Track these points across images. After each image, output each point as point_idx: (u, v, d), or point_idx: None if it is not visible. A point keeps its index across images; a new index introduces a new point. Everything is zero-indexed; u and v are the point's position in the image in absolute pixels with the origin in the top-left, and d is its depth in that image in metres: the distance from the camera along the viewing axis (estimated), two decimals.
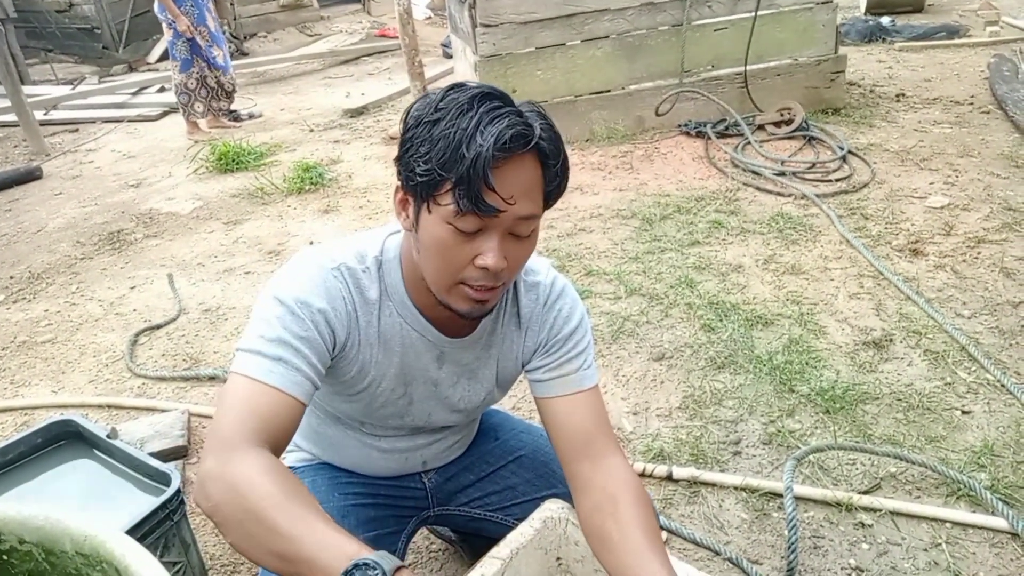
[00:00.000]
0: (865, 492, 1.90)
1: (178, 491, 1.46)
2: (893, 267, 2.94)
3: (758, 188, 3.81)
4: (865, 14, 7.15)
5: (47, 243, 4.06)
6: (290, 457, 1.40)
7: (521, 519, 1.19)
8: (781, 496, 1.86)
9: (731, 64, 4.68)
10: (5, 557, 0.94)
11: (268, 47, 9.61)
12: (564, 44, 4.54)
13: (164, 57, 7.69)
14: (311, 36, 10.04)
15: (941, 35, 6.34)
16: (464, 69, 5.02)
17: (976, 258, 2.95)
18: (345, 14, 11.00)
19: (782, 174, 3.92)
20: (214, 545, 1.91)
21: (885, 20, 6.67)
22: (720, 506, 1.91)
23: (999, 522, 1.76)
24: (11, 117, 6.13)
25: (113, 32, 8.97)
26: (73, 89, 7.58)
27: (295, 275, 1.07)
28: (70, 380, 2.73)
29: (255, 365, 0.99)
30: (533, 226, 1.01)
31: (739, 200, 3.70)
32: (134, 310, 3.21)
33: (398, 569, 0.82)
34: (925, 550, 1.73)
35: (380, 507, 1.34)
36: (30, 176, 5.16)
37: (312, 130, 5.75)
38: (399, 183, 1.02)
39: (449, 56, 6.64)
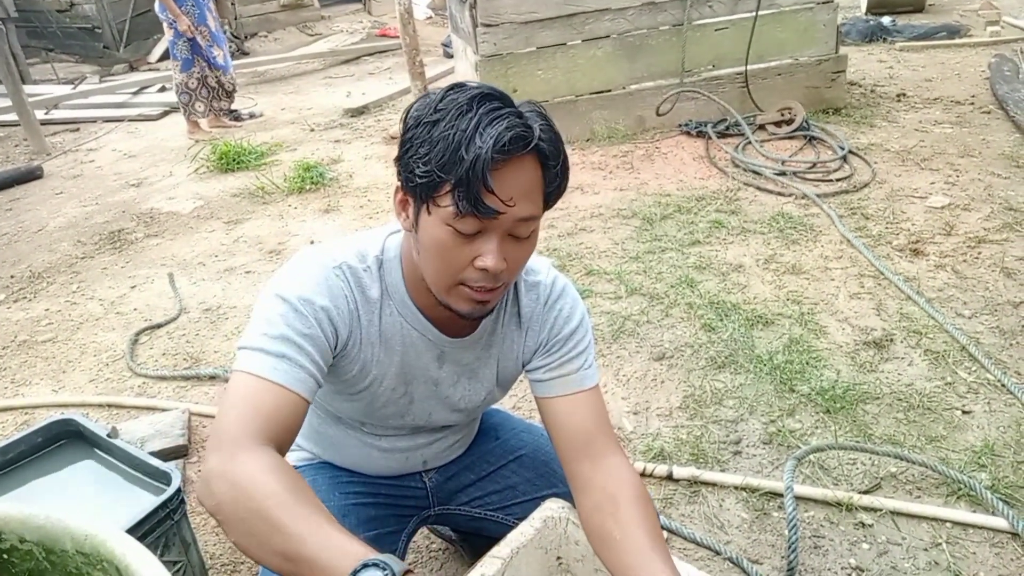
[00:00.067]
0: (865, 492, 1.90)
1: (178, 490, 1.46)
2: (894, 267, 2.94)
3: (759, 188, 3.81)
4: (866, 14, 7.15)
5: (48, 242, 4.06)
6: (291, 456, 1.40)
7: (521, 518, 1.19)
8: (781, 496, 1.86)
9: (732, 64, 4.67)
10: (6, 556, 0.94)
11: (269, 47, 9.61)
12: (565, 44, 4.54)
13: (165, 57, 7.69)
14: (312, 36, 10.04)
15: (942, 35, 6.34)
16: (465, 69, 5.02)
17: (977, 258, 2.95)
18: (346, 14, 11.01)
19: (783, 174, 3.92)
20: (214, 544, 1.91)
21: (886, 20, 6.66)
22: (720, 506, 1.91)
23: (999, 522, 1.76)
24: (12, 116, 6.13)
25: (114, 31, 8.97)
26: (74, 88, 7.58)
27: (297, 273, 1.06)
28: (71, 379, 2.73)
29: (259, 362, 0.99)
30: (533, 227, 1.01)
31: (740, 200, 3.70)
32: (135, 309, 3.22)
33: (406, 573, 0.81)
34: (925, 550, 1.73)
35: (381, 506, 1.34)
36: (31, 175, 5.17)
37: (313, 130, 5.75)
38: (399, 183, 1.02)
39: (450, 56, 6.64)
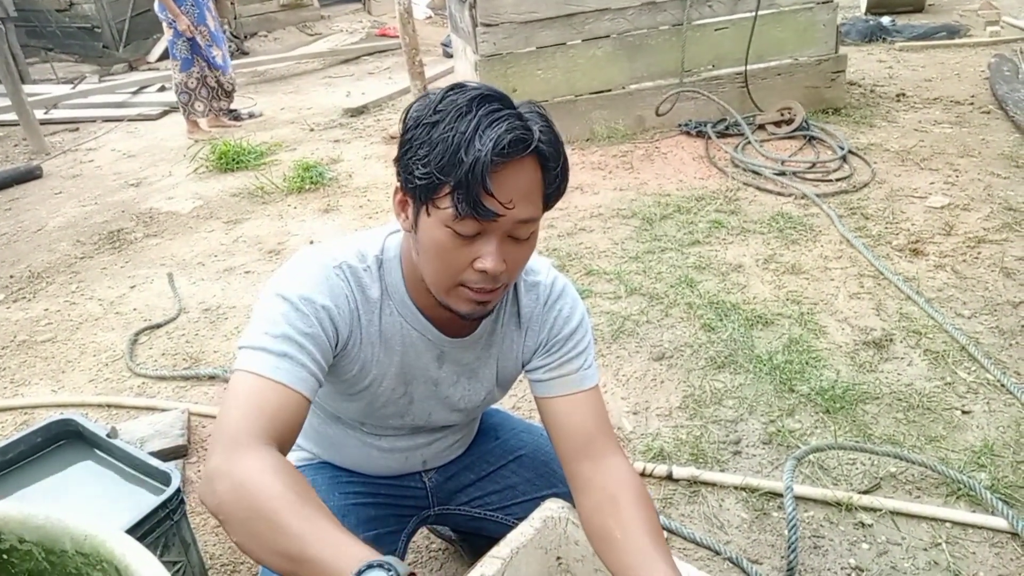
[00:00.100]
0: (865, 492, 1.90)
1: (178, 490, 1.46)
2: (893, 267, 2.94)
3: (758, 188, 3.81)
4: (865, 14, 7.15)
5: (47, 242, 4.06)
6: (290, 457, 1.39)
7: (521, 518, 1.19)
8: (781, 496, 1.86)
9: (731, 64, 4.67)
10: (5, 556, 0.94)
11: (268, 46, 9.61)
12: (564, 43, 4.54)
13: (164, 56, 7.69)
14: (311, 35, 10.04)
15: (941, 35, 6.34)
16: (464, 68, 5.02)
17: (976, 258, 2.95)
18: (345, 13, 11.01)
19: (782, 174, 3.92)
20: (214, 544, 1.91)
21: (885, 20, 6.67)
22: (720, 506, 1.91)
23: (999, 522, 1.76)
24: (11, 116, 6.13)
25: (113, 31, 8.97)
26: (73, 88, 7.58)
27: (298, 273, 1.06)
28: (70, 379, 2.73)
29: (260, 361, 0.98)
30: (532, 228, 1.01)
31: (739, 200, 3.70)
32: (134, 309, 3.22)
33: (410, 575, 0.81)
34: (925, 550, 1.73)
35: (380, 506, 1.34)
36: (30, 175, 5.16)
37: (312, 129, 5.75)
38: (398, 184, 1.02)
39: (449, 55, 6.64)
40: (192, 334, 2.96)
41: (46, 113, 6.73)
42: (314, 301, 1.04)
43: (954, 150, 4.02)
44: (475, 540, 1.62)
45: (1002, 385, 2.22)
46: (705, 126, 4.51)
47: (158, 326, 3.03)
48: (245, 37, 9.48)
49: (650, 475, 2.00)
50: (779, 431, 2.13)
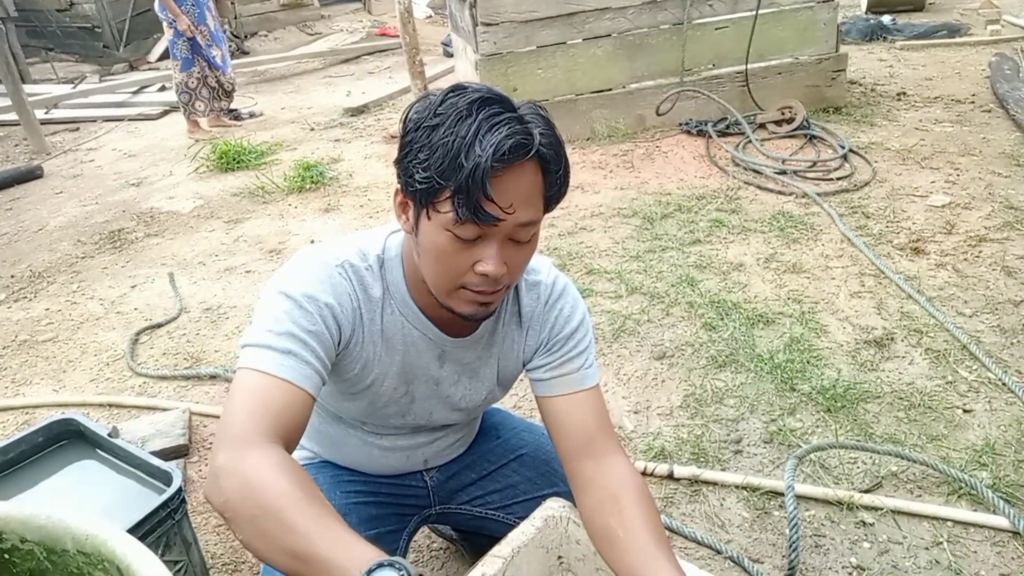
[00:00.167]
0: (866, 491, 1.90)
1: (179, 490, 1.46)
2: (894, 266, 2.94)
3: (759, 187, 3.81)
4: (866, 13, 7.15)
5: (48, 242, 4.06)
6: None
7: (522, 517, 1.19)
8: (782, 495, 1.86)
9: (732, 63, 4.67)
10: (7, 556, 0.94)
11: (269, 46, 9.61)
12: (565, 43, 4.54)
13: (165, 56, 7.68)
14: (312, 35, 10.04)
15: (942, 34, 6.34)
16: (465, 68, 5.02)
17: (977, 257, 2.95)
18: (346, 13, 11.01)
19: (783, 173, 3.91)
20: (215, 544, 1.91)
21: (886, 19, 6.66)
22: (721, 505, 1.91)
23: (1000, 521, 1.76)
24: (12, 116, 6.13)
25: (114, 31, 8.97)
26: (74, 88, 7.58)
27: (300, 271, 1.06)
28: (71, 379, 2.73)
29: (265, 359, 0.98)
30: (533, 231, 1.01)
31: (740, 199, 3.69)
32: (135, 309, 3.22)
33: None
34: (926, 549, 1.73)
35: (382, 505, 1.34)
36: (31, 175, 5.17)
37: (313, 129, 5.75)
38: (399, 186, 1.02)
39: (450, 55, 6.64)
40: (193, 334, 2.96)
41: (47, 113, 6.73)
42: (317, 299, 1.03)
43: (955, 149, 4.02)
44: (476, 539, 1.62)
45: (1003, 384, 2.22)
46: (706, 125, 4.51)
47: (159, 326, 3.03)
48: (245, 37, 9.48)
49: (651, 474, 2.00)
50: (780, 430, 2.13)
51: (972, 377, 2.28)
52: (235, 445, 0.91)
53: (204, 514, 2.01)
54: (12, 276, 3.66)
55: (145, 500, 1.47)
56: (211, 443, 2.29)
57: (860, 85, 5.24)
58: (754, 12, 4.55)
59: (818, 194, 3.61)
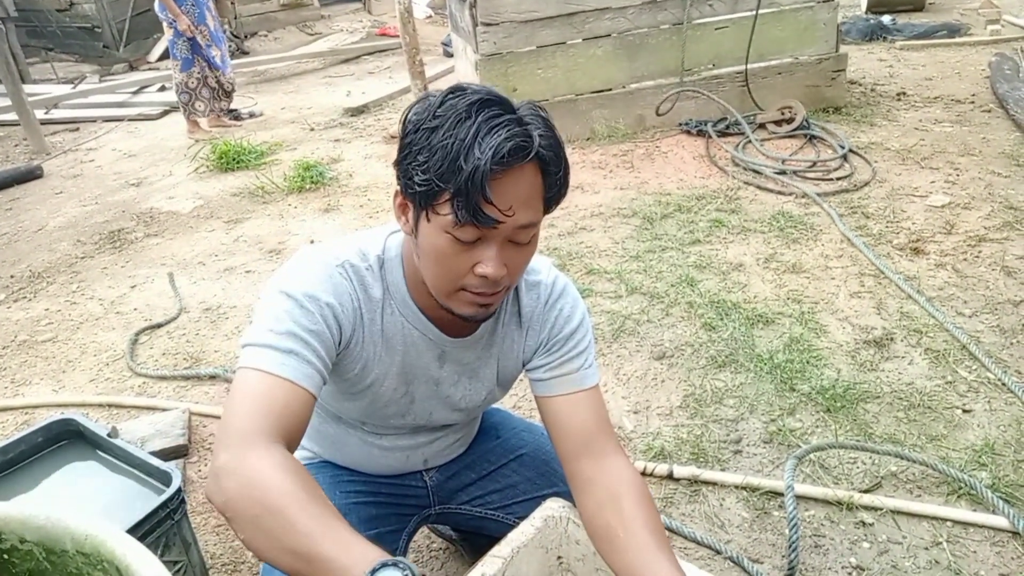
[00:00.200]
0: (866, 491, 1.90)
1: (179, 490, 1.46)
2: (894, 266, 2.94)
3: (759, 187, 3.81)
4: (866, 13, 7.15)
5: (48, 242, 4.06)
6: None
7: (522, 518, 1.19)
8: (782, 495, 1.86)
9: (732, 63, 4.67)
10: (6, 556, 0.94)
11: (269, 46, 9.61)
12: (565, 43, 4.54)
13: (165, 56, 7.69)
14: (312, 35, 10.04)
15: (942, 34, 6.34)
16: (465, 68, 5.02)
17: (977, 257, 2.95)
18: (346, 13, 11.01)
19: (783, 173, 3.91)
20: (215, 544, 1.91)
21: (886, 19, 6.66)
22: (721, 505, 1.91)
23: (1000, 521, 1.76)
24: (12, 116, 6.13)
25: (114, 31, 8.97)
26: (74, 88, 7.58)
27: (301, 271, 1.06)
28: (71, 379, 2.73)
29: (266, 358, 0.98)
30: (533, 232, 1.01)
31: (740, 199, 3.69)
32: (135, 309, 3.22)
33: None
34: (926, 549, 1.73)
35: (381, 505, 1.34)
36: (31, 175, 5.17)
37: (313, 129, 5.75)
38: (398, 188, 1.02)
39: (450, 55, 6.64)
40: (193, 334, 2.96)
41: (46, 113, 6.73)
42: (318, 299, 1.03)
43: (955, 149, 4.02)
44: (476, 539, 1.62)
45: (1003, 384, 2.22)
46: (706, 125, 4.51)
47: (159, 326, 3.03)
48: (245, 37, 9.48)
49: (651, 474, 2.00)
50: (780, 430, 2.13)
51: (972, 377, 2.28)
52: (237, 444, 0.91)
53: (204, 514, 2.01)
54: (12, 276, 3.66)
55: (144, 500, 1.47)
56: (211, 443, 2.29)
57: (860, 85, 5.24)
58: (754, 12, 4.55)
59: (818, 194, 3.61)
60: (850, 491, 1.89)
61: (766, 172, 3.92)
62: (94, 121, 6.68)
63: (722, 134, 4.47)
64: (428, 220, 0.97)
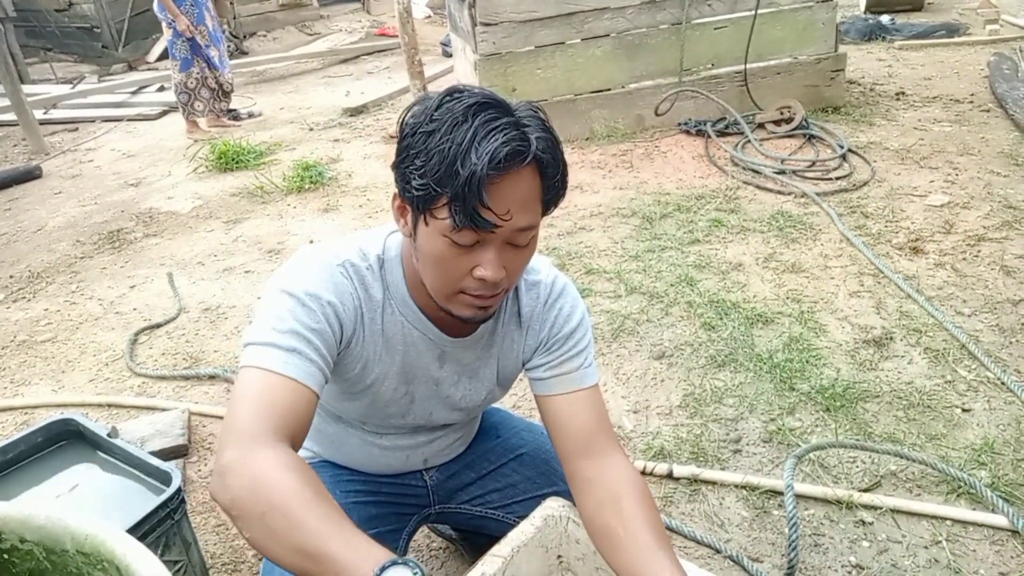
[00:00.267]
0: (865, 490, 1.90)
1: (179, 490, 1.46)
2: (893, 265, 2.94)
3: (758, 186, 3.81)
4: (865, 12, 7.16)
5: (47, 242, 4.06)
6: None
7: (522, 517, 1.19)
8: (782, 494, 1.87)
9: (731, 63, 4.67)
10: (6, 556, 0.94)
11: (267, 46, 9.61)
12: (564, 43, 4.54)
13: (164, 56, 7.69)
14: (311, 35, 10.04)
15: (941, 33, 6.34)
16: (464, 68, 5.02)
17: (976, 256, 2.95)
18: (344, 13, 11.00)
19: (782, 172, 3.92)
20: (215, 544, 1.91)
21: (885, 18, 6.67)
22: (721, 504, 1.91)
23: (999, 520, 1.76)
24: (10, 116, 6.12)
25: (112, 31, 8.96)
26: (72, 88, 7.58)
27: (302, 270, 1.06)
28: (70, 379, 2.73)
29: (269, 357, 0.98)
30: (532, 235, 1.01)
31: (739, 198, 3.70)
32: (134, 309, 3.21)
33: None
34: (925, 548, 1.73)
35: (382, 504, 1.34)
36: (29, 175, 5.16)
37: (312, 129, 5.75)
38: (396, 191, 1.02)
39: (449, 55, 6.64)
40: (192, 334, 2.96)
41: (45, 113, 6.73)
42: (320, 297, 1.03)
43: (954, 148, 4.02)
44: (476, 539, 1.62)
45: (1002, 383, 2.23)
46: (705, 125, 4.51)
47: (158, 326, 3.03)
48: (244, 37, 9.47)
49: (651, 473, 2.00)
50: (779, 429, 2.13)
51: (971, 376, 2.28)
52: (242, 443, 0.91)
53: (204, 514, 2.01)
54: (11, 276, 3.66)
55: (144, 500, 1.47)
56: (210, 443, 2.29)
57: (859, 85, 5.24)
58: (753, 12, 4.55)
59: (817, 194, 3.61)
60: (850, 490, 1.89)
61: (765, 172, 3.92)
62: (93, 121, 6.68)
63: (721, 134, 4.47)
64: (426, 224, 0.97)
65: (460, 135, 0.90)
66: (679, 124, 4.63)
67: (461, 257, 0.98)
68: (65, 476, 1.61)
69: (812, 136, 4.32)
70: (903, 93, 5.02)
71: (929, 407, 2.17)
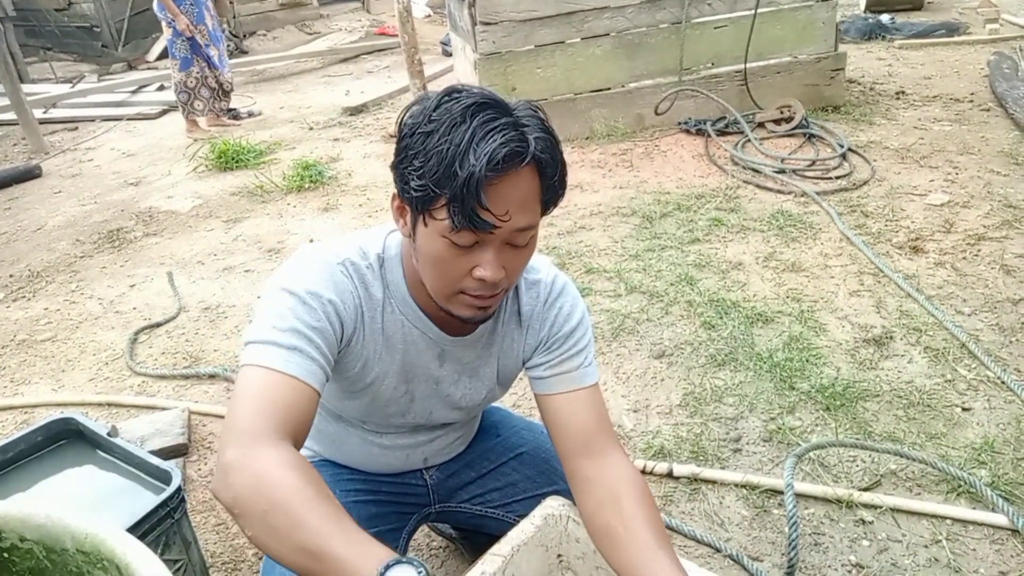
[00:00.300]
0: (865, 489, 1.90)
1: (179, 489, 1.46)
2: (893, 264, 2.94)
3: (758, 186, 3.81)
4: (865, 12, 7.15)
5: (46, 241, 4.06)
6: None
7: (522, 516, 1.19)
8: (782, 493, 1.87)
9: (731, 62, 4.67)
10: (6, 555, 0.94)
11: (267, 45, 9.60)
12: (564, 42, 4.54)
13: (163, 55, 7.68)
14: (310, 34, 10.03)
15: (941, 32, 6.34)
16: (464, 67, 5.02)
17: (976, 255, 2.95)
18: (344, 12, 11.00)
19: (782, 171, 3.92)
20: (215, 543, 1.91)
21: (885, 18, 6.67)
22: (721, 503, 1.91)
23: (999, 518, 1.76)
24: (10, 116, 6.12)
25: (112, 30, 8.96)
26: (72, 87, 7.57)
27: (302, 268, 1.06)
28: (70, 378, 2.73)
29: (271, 355, 0.98)
30: (531, 234, 1.01)
31: (739, 198, 3.70)
32: (134, 308, 3.21)
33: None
34: (925, 547, 1.73)
35: (382, 503, 1.34)
36: (29, 174, 5.16)
37: (312, 128, 5.75)
38: (396, 191, 1.02)
39: (448, 54, 6.64)
40: (192, 333, 2.96)
41: (45, 112, 6.73)
42: (320, 295, 1.03)
43: (954, 147, 4.02)
44: (476, 538, 1.62)
45: (1002, 382, 2.23)
46: (705, 124, 4.51)
47: (158, 325, 3.03)
48: (244, 36, 9.47)
49: (651, 473, 2.00)
50: (779, 428, 2.13)
51: (971, 375, 2.28)
52: (244, 441, 0.91)
53: (203, 513, 2.01)
54: (11, 276, 3.66)
55: (144, 499, 1.47)
56: (210, 442, 2.29)
57: (859, 84, 5.24)
58: (753, 11, 4.55)
59: (817, 193, 3.61)
60: (850, 489, 1.89)
61: (765, 171, 3.92)
62: (93, 120, 6.68)
63: (721, 133, 4.47)
64: (425, 224, 0.97)
65: (458, 136, 0.90)
66: (679, 123, 4.63)
67: (460, 257, 0.98)
68: (65, 475, 1.60)
69: (812, 135, 4.31)
70: (903, 92, 5.02)
71: (929, 406, 2.17)
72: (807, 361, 2.40)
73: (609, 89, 4.68)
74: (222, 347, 2.83)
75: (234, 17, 9.30)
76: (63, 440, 1.67)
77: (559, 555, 1.20)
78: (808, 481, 1.93)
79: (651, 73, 4.69)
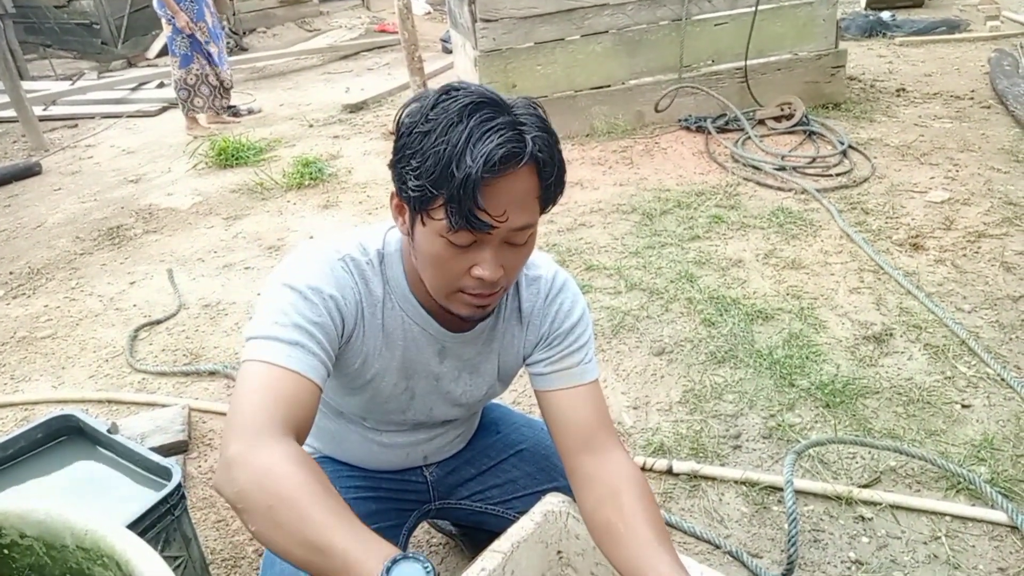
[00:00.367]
0: (865, 486, 1.90)
1: (179, 486, 1.46)
2: (893, 261, 2.94)
3: (758, 183, 3.81)
4: (865, 9, 7.14)
5: (46, 239, 4.05)
6: None
7: (522, 513, 1.19)
8: (781, 490, 1.87)
9: (731, 59, 4.67)
10: (6, 551, 0.94)
11: (267, 42, 9.59)
12: (564, 39, 4.54)
13: (163, 53, 7.67)
14: (310, 31, 10.02)
15: (941, 30, 6.33)
16: (464, 64, 5.01)
17: (976, 252, 2.95)
18: (344, 9, 10.99)
19: (782, 169, 3.91)
20: (215, 540, 1.92)
21: (885, 15, 6.66)
22: (720, 500, 1.91)
23: (998, 515, 1.76)
24: (10, 113, 6.12)
25: (112, 28, 8.95)
26: (72, 85, 7.57)
27: (303, 264, 1.06)
28: (70, 375, 2.73)
29: (273, 350, 0.97)
30: (529, 233, 1.01)
31: (739, 195, 3.69)
32: (134, 305, 3.21)
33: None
34: (925, 543, 1.73)
35: (382, 500, 1.34)
36: (29, 172, 5.16)
37: (312, 125, 5.74)
38: (394, 190, 1.02)
39: (449, 51, 6.63)
40: (192, 330, 2.96)
41: (45, 110, 6.72)
42: (322, 291, 1.03)
43: (954, 145, 4.02)
44: (476, 534, 1.63)
45: (1002, 379, 2.23)
46: (705, 121, 4.51)
47: (158, 322, 3.03)
48: (244, 33, 9.46)
49: (650, 469, 2.00)
50: (779, 425, 2.13)
51: (971, 372, 2.28)
52: (247, 436, 0.91)
53: (204, 510, 2.01)
54: (11, 273, 3.66)
55: (144, 496, 1.47)
56: (211, 439, 2.30)
57: (859, 81, 5.23)
58: (753, 8, 4.55)
59: (817, 190, 3.61)
60: (849, 486, 1.89)
61: (765, 168, 3.92)
62: (92, 118, 6.67)
63: (721, 130, 4.47)
64: (423, 224, 0.97)
65: (455, 136, 0.90)
66: (679, 120, 4.63)
67: (459, 257, 0.98)
68: (65, 472, 1.61)
69: (812, 132, 4.31)
70: (903, 89, 5.01)
71: (929, 403, 2.17)
72: (807, 358, 2.40)
73: (609, 86, 4.67)
74: (222, 344, 2.83)
75: (234, 14, 9.29)
76: (63, 437, 1.67)
77: (559, 551, 1.21)
78: (808, 478, 1.94)
79: (651, 70, 4.69)
